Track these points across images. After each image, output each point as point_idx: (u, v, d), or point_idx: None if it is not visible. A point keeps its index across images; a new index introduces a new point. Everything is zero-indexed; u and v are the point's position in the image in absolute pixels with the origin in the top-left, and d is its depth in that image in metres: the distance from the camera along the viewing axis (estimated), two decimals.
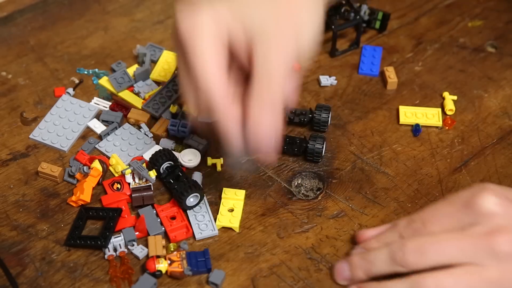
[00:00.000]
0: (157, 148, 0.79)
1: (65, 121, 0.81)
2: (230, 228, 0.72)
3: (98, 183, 0.75)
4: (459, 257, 0.60)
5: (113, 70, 0.87)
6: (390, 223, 0.70)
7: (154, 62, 0.88)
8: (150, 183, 0.74)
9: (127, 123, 0.81)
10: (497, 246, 0.59)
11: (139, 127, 0.81)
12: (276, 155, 0.67)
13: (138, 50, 0.87)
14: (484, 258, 0.59)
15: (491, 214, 0.61)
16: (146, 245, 0.70)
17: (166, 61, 0.87)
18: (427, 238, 0.62)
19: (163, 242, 0.69)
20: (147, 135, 0.80)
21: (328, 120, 0.79)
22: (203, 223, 0.72)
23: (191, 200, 0.72)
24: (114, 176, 0.76)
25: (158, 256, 0.69)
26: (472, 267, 0.60)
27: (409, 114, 0.82)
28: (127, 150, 0.78)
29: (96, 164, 0.74)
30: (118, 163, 0.76)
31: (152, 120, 0.82)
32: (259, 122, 0.63)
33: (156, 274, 0.68)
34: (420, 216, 0.65)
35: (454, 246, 0.60)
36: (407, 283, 0.62)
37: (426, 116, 0.82)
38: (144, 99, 0.83)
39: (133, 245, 0.70)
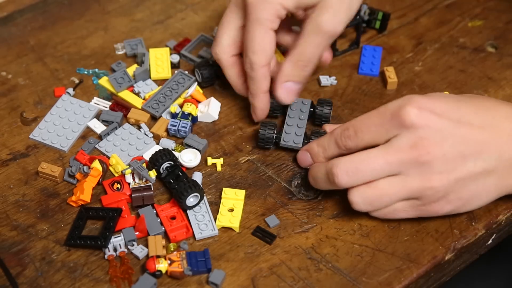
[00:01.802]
0: (157, 148, 0.79)
1: (65, 121, 0.81)
2: (230, 228, 0.72)
3: (98, 183, 0.75)
4: (386, 171, 0.66)
5: (113, 70, 0.87)
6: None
7: (134, 56, 0.89)
8: (150, 183, 0.74)
9: (127, 123, 0.81)
10: (418, 158, 0.65)
11: (139, 127, 0.81)
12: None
13: (126, 50, 0.88)
14: (408, 169, 0.66)
15: (413, 127, 0.65)
16: (146, 245, 0.70)
17: (156, 58, 0.86)
18: (358, 158, 0.67)
19: (163, 242, 0.69)
20: (147, 135, 0.80)
21: (330, 115, 0.79)
22: (203, 223, 0.72)
23: (191, 200, 0.72)
24: (114, 176, 0.76)
25: (158, 256, 0.69)
26: (396, 178, 0.66)
27: None
28: (127, 150, 0.78)
29: (96, 164, 0.74)
30: (118, 163, 0.76)
31: (152, 120, 0.82)
32: (287, 73, 0.76)
33: (156, 274, 0.68)
34: (353, 125, 0.69)
35: (382, 161, 0.66)
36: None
37: None
38: (144, 99, 0.83)
39: (133, 245, 0.70)
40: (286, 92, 0.78)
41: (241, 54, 0.79)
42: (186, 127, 0.79)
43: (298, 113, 0.79)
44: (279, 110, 0.80)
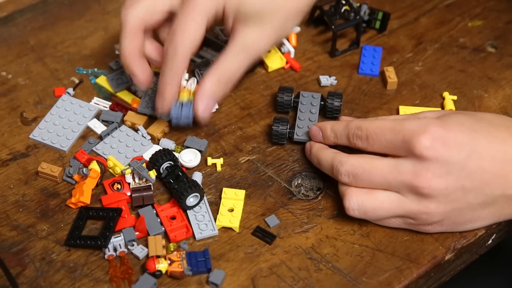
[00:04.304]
0: (157, 148, 0.78)
1: (65, 121, 0.81)
2: (230, 228, 0.72)
3: (97, 184, 0.75)
4: (385, 186, 0.67)
5: (112, 69, 0.87)
6: (346, 119, 0.75)
7: None
8: (150, 183, 0.74)
9: (124, 125, 0.81)
10: (418, 188, 0.65)
11: (136, 130, 0.81)
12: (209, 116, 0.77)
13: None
14: (407, 193, 0.67)
15: (422, 158, 0.65)
16: (146, 245, 0.70)
17: None
18: (361, 166, 0.68)
19: (163, 242, 0.69)
20: (144, 137, 0.80)
21: (340, 107, 0.80)
22: (203, 223, 0.72)
23: (191, 200, 0.72)
24: (114, 176, 0.76)
25: (158, 256, 0.69)
26: (395, 195, 0.67)
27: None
28: (125, 152, 0.78)
29: (94, 166, 0.74)
30: (116, 165, 0.76)
31: (150, 121, 0.81)
32: (209, 90, 0.75)
33: (156, 274, 0.68)
34: (367, 128, 0.69)
35: (382, 178, 0.67)
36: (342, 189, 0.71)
37: None
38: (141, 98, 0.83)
39: (133, 245, 0.70)
40: (207, 109, 0.76)
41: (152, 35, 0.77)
42: (188, 110, 0.76)
43: (309, 107, 0.79)
44: (289, 106, 0.81)
